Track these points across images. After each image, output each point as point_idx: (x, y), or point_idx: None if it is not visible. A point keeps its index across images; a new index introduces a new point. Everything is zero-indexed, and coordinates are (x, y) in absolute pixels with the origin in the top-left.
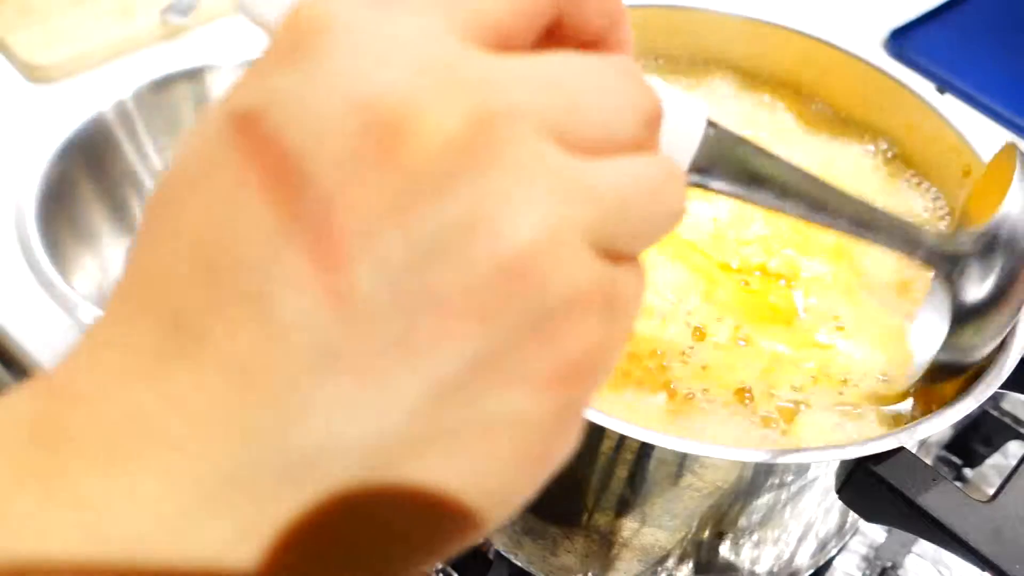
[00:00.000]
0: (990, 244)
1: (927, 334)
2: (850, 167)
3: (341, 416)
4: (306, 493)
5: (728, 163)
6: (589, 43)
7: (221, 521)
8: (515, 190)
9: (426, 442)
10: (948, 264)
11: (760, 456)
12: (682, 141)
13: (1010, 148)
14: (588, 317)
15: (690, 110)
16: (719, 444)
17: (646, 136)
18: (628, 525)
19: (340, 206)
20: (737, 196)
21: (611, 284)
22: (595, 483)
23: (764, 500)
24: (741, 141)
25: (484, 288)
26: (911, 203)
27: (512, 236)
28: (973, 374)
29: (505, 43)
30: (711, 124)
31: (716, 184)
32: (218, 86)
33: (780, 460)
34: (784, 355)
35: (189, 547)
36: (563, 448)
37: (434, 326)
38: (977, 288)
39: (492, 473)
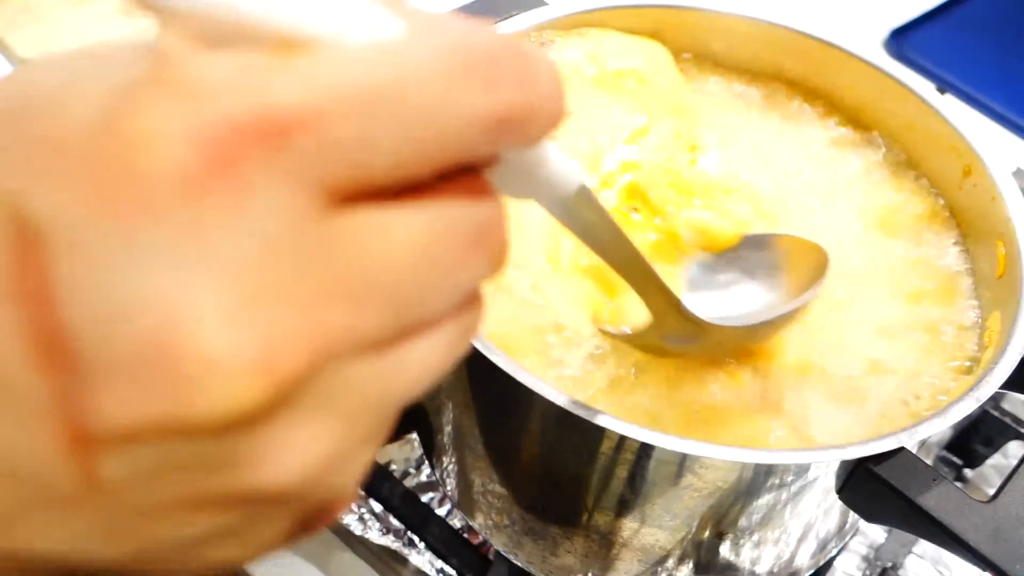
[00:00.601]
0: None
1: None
2: (850, 166)
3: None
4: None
5: (576, 219)
6: None
7: None
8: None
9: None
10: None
11: (760, 456)
12: (550, 191)
13: None
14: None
15: (566, 173)
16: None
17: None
18: (628, 525)
19: (104, 414)
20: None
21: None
22: (595, 483)
23: (764, 500)
24: (598, 211)
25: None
26: (911, 203)
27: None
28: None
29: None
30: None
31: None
32: None
33: (780, 460)
34: None
35: None
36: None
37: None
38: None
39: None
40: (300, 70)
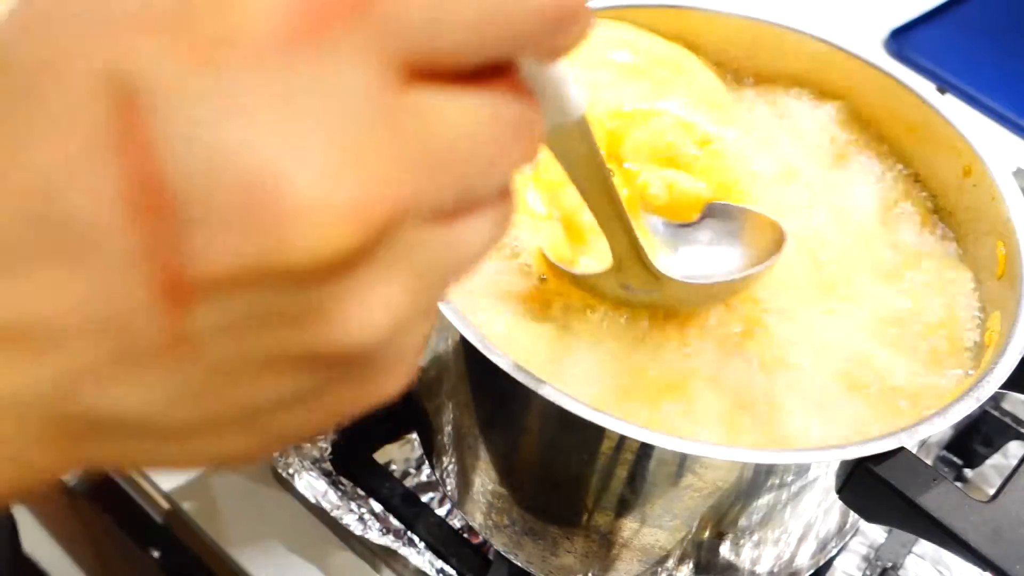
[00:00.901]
0: None
1: None
2: (851, 166)
3: (122, 392)
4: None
5: (568, 147)
6: None
7: None
8: (369, 297)
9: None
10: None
11: (760, 456)
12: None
13: None
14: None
15: (573, 99)
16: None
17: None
18: (628, 525)
19: (198, 261)
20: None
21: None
22: (595, 483)
23: (764, 500)
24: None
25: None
26: (911, 202)
27: (345, 338)
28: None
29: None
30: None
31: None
32: None
33: (780, 460)
34: None
35: None
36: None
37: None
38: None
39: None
40: None
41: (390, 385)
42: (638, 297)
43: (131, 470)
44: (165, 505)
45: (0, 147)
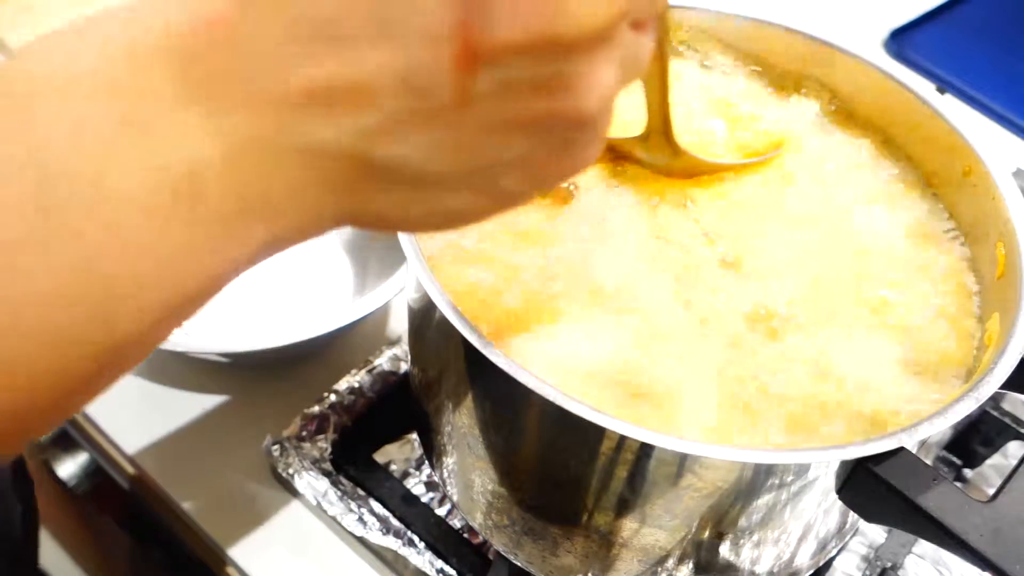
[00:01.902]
0: None
1: None
2: (849, 165)
3: (418, 154)
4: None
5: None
6: None
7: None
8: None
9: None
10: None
11: (760, 456)
12: None
13: None
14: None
15: None
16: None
17: None
18: (628, 525)
19: (492, 32)
20: None
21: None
22: (595, 483)
23: (764, 500)
24: None
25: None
26: (911, 202)
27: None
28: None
29: None
30: None
31: None
32: None
33: (780, 460)
34: None
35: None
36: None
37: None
38: None
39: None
40: None
41: (592, 154)
42: (655, 162)
43: (381, 227)
44: (165, 504)
45: None
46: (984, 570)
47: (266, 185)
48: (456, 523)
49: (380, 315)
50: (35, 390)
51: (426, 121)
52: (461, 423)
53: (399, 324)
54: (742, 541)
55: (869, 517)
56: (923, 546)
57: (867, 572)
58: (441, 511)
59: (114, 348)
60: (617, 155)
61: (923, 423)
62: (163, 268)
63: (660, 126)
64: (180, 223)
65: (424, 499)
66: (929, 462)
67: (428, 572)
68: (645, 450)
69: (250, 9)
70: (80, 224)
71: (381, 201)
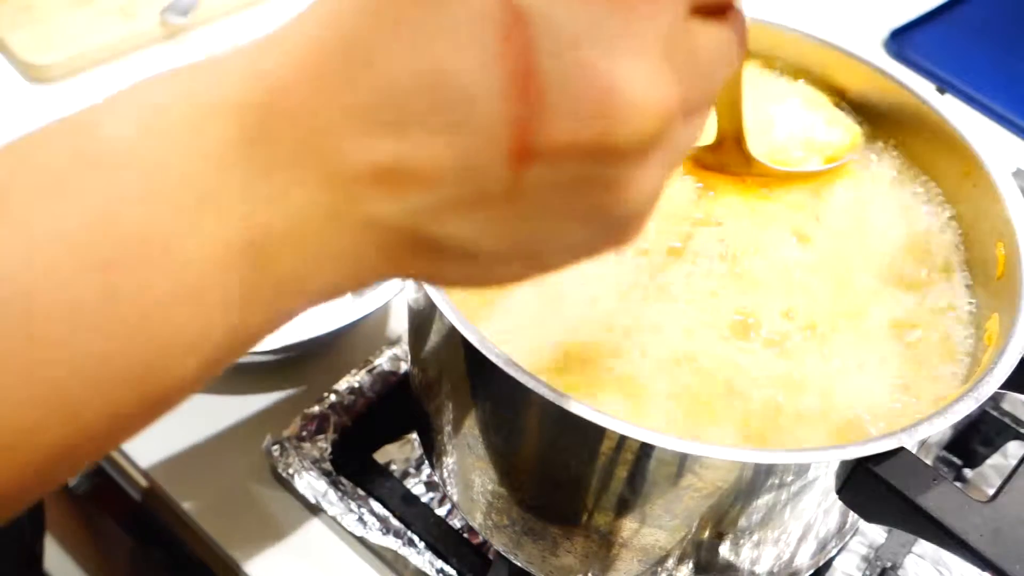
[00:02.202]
0: None
1: None
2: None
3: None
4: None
5: None
6: None
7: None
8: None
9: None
10: None
11: (760, 456)
12: None
13: None
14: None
15: None
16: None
17: None
18: (628, 525)
19: (548, 135)
20: None
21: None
22: (595, 483)
23: (764, 500)
24: None
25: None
26: (911, 202)
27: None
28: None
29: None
30: None
31: None
32: None
33: (780, 460)
34: None
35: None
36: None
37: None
38: None
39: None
40: None
41: (638, 234)
42: (729, 170)
43: (437, 285)
44: (165, 504)
45: (401, 41)
46: (984, 570)
47: (327, 250)
48: (456, 523)
49: (380, 315)
50: (88, 429)
51: (480, 206)
52: (461, 423)
53: (399, 324)
54: (742, 541)
55: (869, 517)
56: (923, 546)
57: (867, 572)
58: (441, 511)
59: (163, 396)
60: (695, 162)
61: (923, 423)
62: (219, 324)
63: (732, 133)
64: (243, 285)
65: (424, 499)
66: (929, 462)
67: (428, 572)
68: (645, 450)
69: (318, 82)
70: (149, 280)
71: (433, 267)
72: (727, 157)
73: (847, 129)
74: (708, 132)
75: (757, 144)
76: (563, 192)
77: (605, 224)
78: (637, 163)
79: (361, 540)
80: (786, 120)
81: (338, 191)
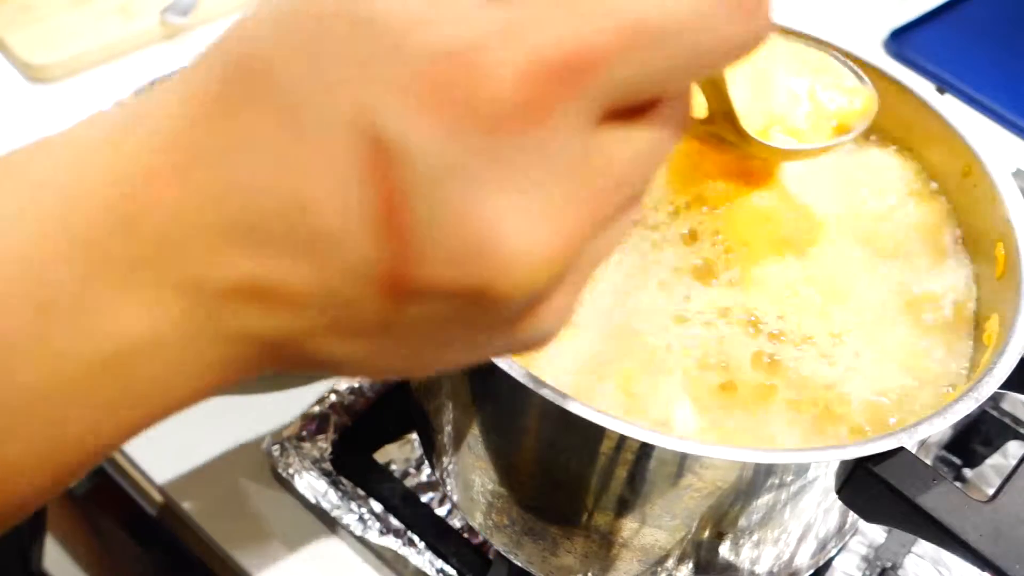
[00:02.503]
0: None
1: None
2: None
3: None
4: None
5: None
6: None
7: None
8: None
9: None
10: None
11: (760, 456)
12: None
13: None
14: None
15: None
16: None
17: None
18: (628, 525)
19: (422, 277)
20: None
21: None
22: (595, 483)
23: (764, 500)
24: None
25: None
26: (911, 203)
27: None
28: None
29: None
30: None
31: None
32: None
33: (780, 460)
34: None
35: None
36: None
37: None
38: None
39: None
40: (599, 7)
41: (546, 344)
42: (728, 142)
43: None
44: (164, 505)
45: (265, 163)
46: (984, 570)
47: (195, 358)
48: (456, 523)
49: None
50: None
51: (358, 334)
52: (461, 423)
53: None
54: (742, 541)
55: (869, 517)
56: (923, 546)
57: (867, 572)
58: (441, 511)
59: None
60: (704, 135)
61: (923, 423)
62: (72, 438)
63: (721, 113)
64: (105, 391)
65: (424, 499)
66: (929, 462)
67: (428, 572)
68: (645, 450)
69: (179, 188)
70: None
71: (322, 369)
72: (721, 131)
73: (857, 93)
74: (699, 107)
75: (757, 111)
76: (451, 326)
77: (505, 349)
78: (531, 306)
79: (361, 540)
80: (791, 87)
81: (201, 306)
